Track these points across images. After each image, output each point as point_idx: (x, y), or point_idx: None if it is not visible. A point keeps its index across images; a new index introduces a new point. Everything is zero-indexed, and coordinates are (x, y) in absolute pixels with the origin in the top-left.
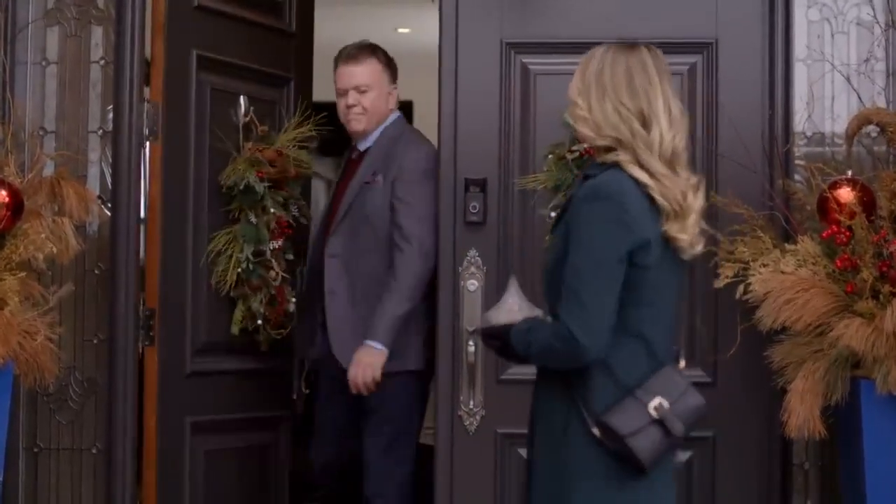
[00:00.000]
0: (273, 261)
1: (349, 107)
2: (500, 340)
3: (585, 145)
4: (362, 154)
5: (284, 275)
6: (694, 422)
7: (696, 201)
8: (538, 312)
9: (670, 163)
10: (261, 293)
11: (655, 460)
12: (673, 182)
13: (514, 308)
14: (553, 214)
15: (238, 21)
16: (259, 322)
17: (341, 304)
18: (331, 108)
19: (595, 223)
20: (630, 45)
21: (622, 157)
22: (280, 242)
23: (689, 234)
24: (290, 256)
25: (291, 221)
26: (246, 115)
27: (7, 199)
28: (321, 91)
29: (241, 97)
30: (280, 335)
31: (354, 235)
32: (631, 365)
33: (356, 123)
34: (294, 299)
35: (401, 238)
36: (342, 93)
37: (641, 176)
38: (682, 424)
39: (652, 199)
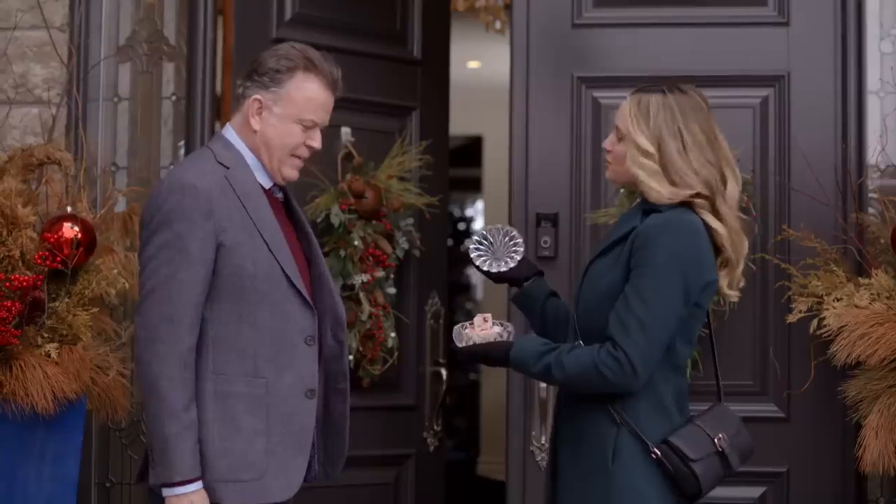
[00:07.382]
0: (361, 295)
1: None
2: (490, 357)
3: None
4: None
5: (381, 309)
6: (746, 458)
7: (746, 248)
8: (511, 329)
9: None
10: (354, 328)
11: (710, 489)
12: (741, 237)
13: (488, 324)
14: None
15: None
16: (350, 357)
17: None
18: (457, 139)
19: (672, 258)
20: (682, 89)
21: (697, 201)
22: (369, 276)
23: (736, 289)
24: (392, 290)
25: (395, 253)
26: (344, 147)
27: (80, 235)
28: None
29: (343, 129)
30: (378, 371)
31: None
32: (675, 397)
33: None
34: (394, 334)
35: None
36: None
37: (716, 225)
38: (738, 459)
39: (715, 243)
